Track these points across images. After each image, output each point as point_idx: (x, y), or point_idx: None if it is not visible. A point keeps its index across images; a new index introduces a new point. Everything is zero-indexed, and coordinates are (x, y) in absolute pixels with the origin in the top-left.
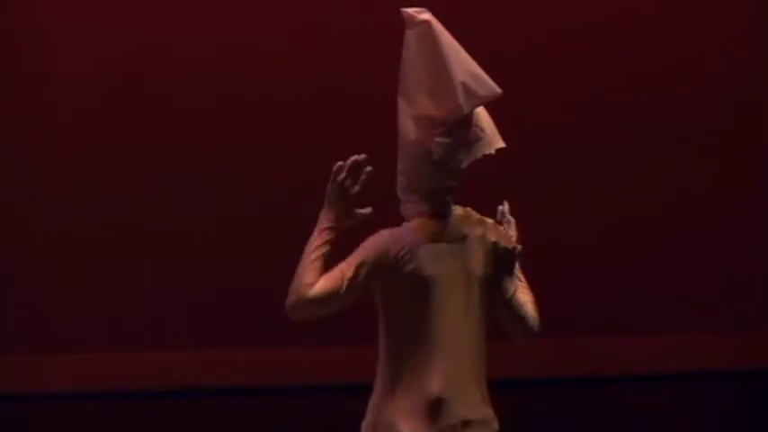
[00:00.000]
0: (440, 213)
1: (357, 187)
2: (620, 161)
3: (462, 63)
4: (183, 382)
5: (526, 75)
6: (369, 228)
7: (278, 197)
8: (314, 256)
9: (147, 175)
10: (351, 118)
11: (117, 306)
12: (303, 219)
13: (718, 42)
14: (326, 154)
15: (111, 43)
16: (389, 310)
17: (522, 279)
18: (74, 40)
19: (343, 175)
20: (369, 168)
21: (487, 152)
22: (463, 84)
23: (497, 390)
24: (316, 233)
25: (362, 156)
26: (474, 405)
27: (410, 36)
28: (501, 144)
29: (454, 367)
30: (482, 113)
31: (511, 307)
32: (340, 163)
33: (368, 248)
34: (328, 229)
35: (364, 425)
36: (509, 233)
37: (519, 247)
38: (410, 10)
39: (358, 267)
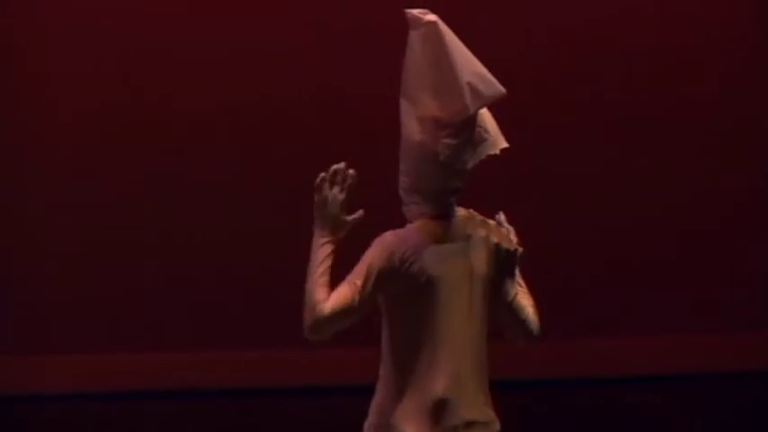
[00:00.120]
0: (443, 214)
1: (343, 195)
2: (621, 161)
3: (468, 63)
4: (183, 382)
5: (527, 74)
6: (370, 229)
7: (278, 197)
8: (319, 272)
9: (147, 175)
10: (351, 118)
11: (117, 306)
12: (303, 219)
13: (719, 42)
14: (326, 154)
15: (111, 43)
16: (393, 311)
17: (522, 284)
18: (74, 40)
19: (326, 186)
20: (351, 172)
21: (492, 153)
22: (469, 84)
23: (498, 390)
24: (315, 249)
25: (342, 164)
26: (477, 406)
27: (414, 37)
28: (505, 144)
29: (458, 368)
30: (485, 114)
31: (512, 310)
32: (322, 175)
33: (373, 255)
34: (326, 243)
35: (366, 426)
36: (511, 236)
37: (520, 249)
38: (415, 11)
39: (367, 276)
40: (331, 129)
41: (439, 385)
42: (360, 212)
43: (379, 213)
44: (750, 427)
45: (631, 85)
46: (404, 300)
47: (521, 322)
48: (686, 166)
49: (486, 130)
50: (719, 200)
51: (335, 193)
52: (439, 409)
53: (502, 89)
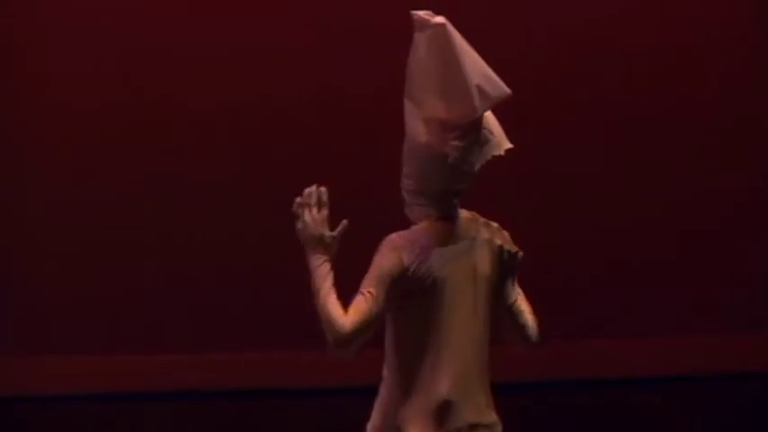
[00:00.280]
0: (448, 216)
1: (323, 213)
2: (621, 161)
3: (476, 65)
4: (183, 383)
5: (527, 74)
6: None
7: (278, 197)
8: (325, 291)
9: (147, 175)
10: (351, 118)
11: (117, 306)
12: None
13: (719, 42)
14: (326, 154)
15: (111, 43)
16: (398, 312)
17: (520, 291)
18: (74, 40)
19: (303, 211)
20: (323, 189)
21: (497, 153)
22: (478, 86)
23: (499, 392)
24: (313, 271)
25: (312, 186)
26: (480, 408)
27: (421, 39)
28: (509, 145)
29: (462, 370)
30: (489, 115)
31: (512, 313)
32: (297, 200)
33: (383, 259)
34: (322, 263)
35: (370, 427)
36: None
37: (521, 252)
38: (421, 13)
39: (380, 282)
40: (331, 129)
41: (443, 387)
42: (343, 223)
43: (380, 213)
44: (750, 427)
45: (631, 85)
46: (409, 301)
47: (520, 327)
48: (686, 166)
49: (490, 132)
50: (719, 200)
51: (314, 215)
52: (443, 411)
53: (507, 90)
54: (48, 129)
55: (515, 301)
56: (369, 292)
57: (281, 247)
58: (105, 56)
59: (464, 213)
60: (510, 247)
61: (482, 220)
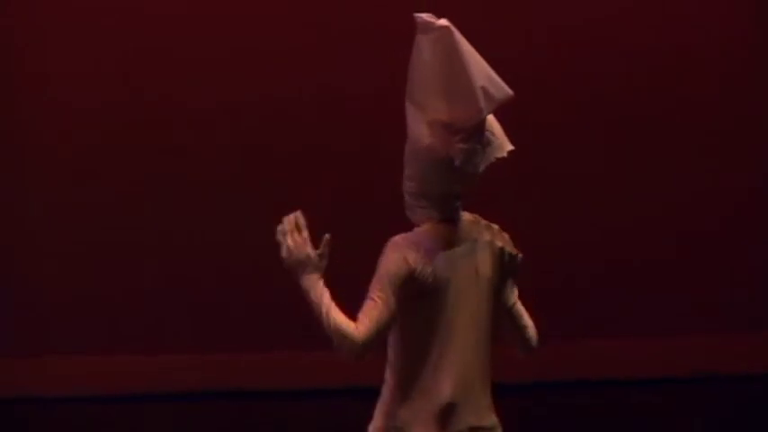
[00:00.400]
0: (450, 218)
1: (303, 235)
2: (621, 161)
3: (480, 68)
4: (183, 384)
5: (527, 74)
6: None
7: (278, 197)
8: (326, 305)
9: (147, 175)
10: (351, 118)
11: (117, 307)
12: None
13: (719, 42)
14: (326, 154)
15: (111, 43)
16: (402, 314)
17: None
18: (74, 40)
19: (285, 238)
20: (298, 213)
21: (500, 155)
22: (483, 88)
23: (499, 393)
24: (309, 291)
25: (288, 215)
26: (482, 411)
27: (425, 41)
28: (510, 147)
29: (465, 372)
30: (490, 117)
31: (512, 316)
32: (279, 228)
33: (389, 262)
34: (316, 281)
35: (371, 429)
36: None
37: (521, 255)
38: (424, 15)
39: (388, 286)
40: (331, 129)
41: (446, 389)
42: (326, 238)
43: (380, 213)
44: (750, 427)
45: (631, 85)
46: (414, 303)
47: (520, 329)
48: (686, 166)
49: (492, 134)
50: (719, 200)
51: (295, 238)
52: (445, 414)
53: (510, 91)
54: (48, 129)
55: (515, 303)
56: (378, 296)
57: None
58: (105, 56)
59: (466, 215)
60: (510, 249)
61: (483, 222)
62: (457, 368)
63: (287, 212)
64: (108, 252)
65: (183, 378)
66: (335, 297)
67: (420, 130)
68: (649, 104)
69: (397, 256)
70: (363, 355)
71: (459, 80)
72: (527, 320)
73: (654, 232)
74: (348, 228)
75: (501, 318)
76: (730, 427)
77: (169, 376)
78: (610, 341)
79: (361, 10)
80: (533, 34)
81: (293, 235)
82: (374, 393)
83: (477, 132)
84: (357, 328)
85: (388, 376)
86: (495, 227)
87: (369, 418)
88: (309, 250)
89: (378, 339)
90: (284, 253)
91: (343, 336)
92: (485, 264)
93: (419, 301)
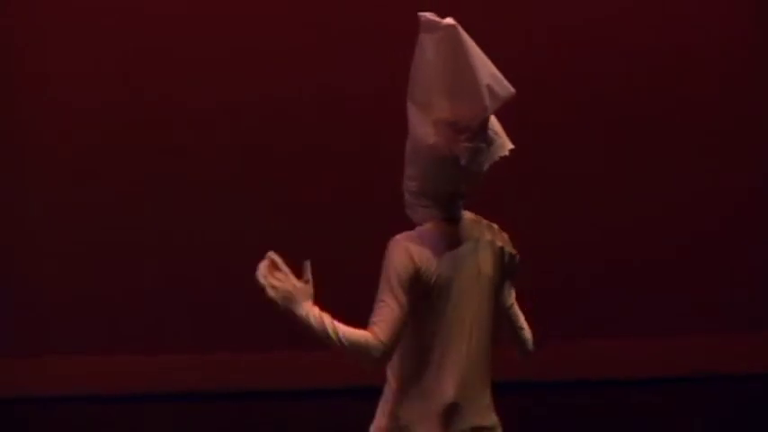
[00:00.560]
0: (453, 217)
1: (283, 270)
2: (621, 161)
3: (484, 66)
4: (183, 384)
5: (527, 74)
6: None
7: (278, 197)
8: (331, 327)
9: (147, 175)
10: (351, 118)
11: (117, 307)
12: (303, 219)
13: (719, 42)
14: (326, 154)
15: (111, 43)
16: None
17: None
18: (74, 40)
19: (267, 281)
20: (271, 253)
21: (502, 154)
22: (488, 86)
23: (499, 393)
24: (307, 318)
25: (261, 263)
26: (483, 411)
27: (429, 41)
28: (510, 145)
29: (468, 372)
30: (491, 116)
31: (510, 316)
32: (260, 282)
33: (395, 263)
34: (310, 307)
35: (373, 429)
36: None
37: (518, 255)
38: (428, 15)
39: (398, 286)
40: (331, 129)
41: (450, 389)
42: (306, 264)
43: (380, 213)
44: (750, 427)
45: (631, 85)
46: (418, 302)
47: (518, 329)
48: (686, 166)
49: (495, 132)
50: (719, 200)
51: (277, 275)
52: (449, 414)
53: (513, 89)
54: (48, 129)
55: (513, 304)
56: (390, 298)
57: (281, 247)
58: (105, 56)
59: (467, 215)
60: (510, 249)
61: (485, 221)
62: (460, 368)
63: (287, 212)
64: (108, 252)
65: (183, 378)
66: (336, 297)
67: (423, 129)
68: (649, 104)
69: (402, 254)
70: (387, 360)
71: (465, 78)
72: (523, 322)
73: (654, 232)
74: (348, 228)
75: (500, 318)
76: (730, 427)
77: (169, 376)
78: (610, 341)
79: (361, 10)
80: (533, 34)
81: (273, 274)
82: (375, 393)
83: (482, 131)
84: (375, 334)
85: (390, 376)
86: (495, 226)
87: (370, 418)
88: (294, 281)
89: (397, 341)
90: (270, 293)
91: (361, 349)
92: (486, 263)
93: (423, 301)
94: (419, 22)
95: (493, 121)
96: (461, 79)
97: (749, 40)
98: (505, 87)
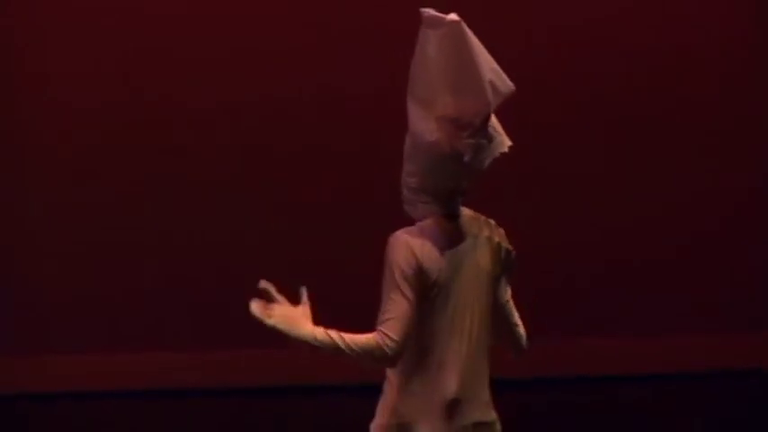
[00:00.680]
0: (452, 214)
1: (278, 300)
2: (621, 161)
3: (487, 61)
4: (183, 382)
5: (527, 74)
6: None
7: (278, 197)
8: (338, 339)
9: (147, 175)
10: (351, 118)
11: (117, 306)
12: (303, 219)
13: (719, 42)
14: (326, 154)
15: (111, 43)
16: None
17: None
18: (74, 40)
19: (264, 314)
20: (262, 284)
21: (502, 151)
22: (491, 82)
23: (498, 389)
24: (313, 339)
25: (253, 301)
26: (482, 406)
27: (432, 37)
28: (509, 142)
29: (468, 368)
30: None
31: (505, 313)
32: (256, 316)
33: (398, 260)
34: (311, 329)
35: (374, 427)
36: None
37: (514, 251)
38: (431, 11)
39: (403, 281)
40: (331, 129)
41: (452, 385)
42: (302, 291)
43: (380, 213)
44: (750, 427)
45: (631, 85)
46: (419, 299)
47: (511, 326)
48: (686, 166)
49: (495, 129)
50: (719, 200)
51: (272, 306)
52: (451, 409)
53: (512, 85)
54: (48, 129)
55: (508, 300)
56: (397, 294)
57: (281, 246)
58: (105, 56)
59: (465, 211)
60: (506, 244)
61: (482, 218)
62: (461, 364)
63: (287, 212)
64: (108, 252)
65: (182, 376)
66: (336, 297)
67: (424, 125)
68: (649, 104)
69: (404, 250)
70: (401, 357)
71: (468, 74)
72: (518, 319)
73: (654, 232)
74: (348, 228)
75: (495, 314)
76: (730, 427)
77: (169, 374)
78: (610, 340)
79: (361, 10)
80: (533, 34)
81: (269, 305)
82: (375, 391)
83: (484, 127)
84: (386, 333)
85: (390, 374)
86: (492, 222)
87: (369, 415)
88: (289, 305)
89: (409, 336)
90: (270, 321)
91: (374, 351)
92: (485, 260)
93: (425, 297)
94: (422, 17)
95: (492, 117)
96: (465, 75)
97: (749, 40)
98: (506, 83)
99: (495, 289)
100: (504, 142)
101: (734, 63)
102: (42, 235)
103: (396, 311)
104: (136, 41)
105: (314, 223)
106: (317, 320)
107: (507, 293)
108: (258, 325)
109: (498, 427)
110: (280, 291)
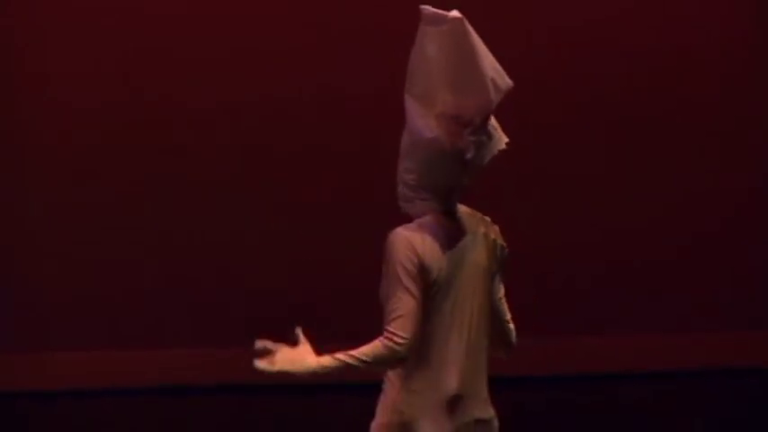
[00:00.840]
0: (450, 210)
1: (276, 346)
2: (621, 161)
3: (487, 58)
4: (183, 379)
5: (527, 75)
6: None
7: (278, 197)
8: (346, 357)
9: (147, 175)
10: (351, 118)
11: (117, 306)
12: (303, 219)
13: (719, 42)
14: (326, 154)
15: (111, 43)
16: None
17: None
18: (74, 40)
19: (267, 365)
20: (258, 342)
21: (501, 148)
22: (492, 80)
23: (496, 387)
24: (322, 369)
25: (256, 361)
26: (482, 403)
27: (433, 34)
28: (506, 139)
29: (468, 364)
30: None
31: (497, 310)
32: (260, 368)
33: (399, 258)
34: (316, 359)
35: (376, 425)
36: None
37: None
38: (431, 8)
39: (406, 277)
40: (331, 129)
41: (453, 382)
42: (298, 332)
43: (380, 213)
44: (750, 426)
45: (631, 85)
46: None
47: (503, 323)
48: (686, 166)
49: (493, 127)
50: (719, 200)
51: (273, 352)
52: (453, 406)
53: (510, 81)
54: (48, 129)
55: (501, 297)
56: (402, 290)
57: (281, 246)
58: (105, 56)
59: (462, 208)
60: (501, 241)
61: (478, 214)
62: (461, 361)
63: (287, 212)
64: (108, 252)
65: (182, 373)
66: (336, 296)
67: (423, 122)
68: (649, 104)
69: (405, 246)
70: (411, 352)
71: (470, 72)
72: (509, 317)
73: (654, 232)
74: (348, 228)
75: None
76: (730, 426)
77: (169, 372)
78: (610, 339)
79: (361, 10)
80: (533, 35)
81: (270, 353)
82: (375, 389)
83: (484, 125)
84: (394, 331)
85: (391, 371)
86: (488, 219)
87: (369, 413)
88: (289, 347)
89: (418, 332)
90: (276, 367)
91: (385, 356)
92: (482, 257)
93: (425, 294)
94: (422, 15)
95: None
96: (466, 72)
97: (749, 40)
98: (505, 80)
99: (491, 286)
100: (503, 139)
101: (734, 63)
102: (42, 235)
103: (403, 309)
104: (136, 41)
105: (314, 223)
106: (318, 320)
107: (501, 290)
108: (264, 374)
109: (496, 423)
110: (280, 289)
